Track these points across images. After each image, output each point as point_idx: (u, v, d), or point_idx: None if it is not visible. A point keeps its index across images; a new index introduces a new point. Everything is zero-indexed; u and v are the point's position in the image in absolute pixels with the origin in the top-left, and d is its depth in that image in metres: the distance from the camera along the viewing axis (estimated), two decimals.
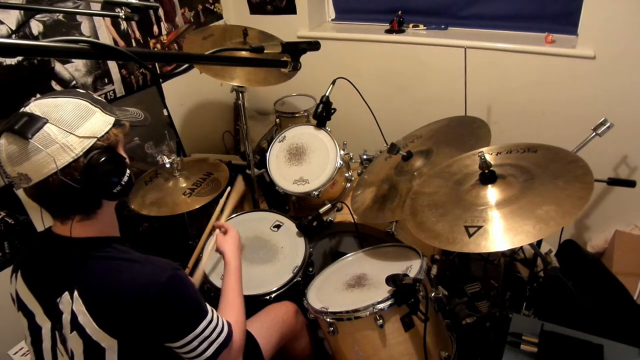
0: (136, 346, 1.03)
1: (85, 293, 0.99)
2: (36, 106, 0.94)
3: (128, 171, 1.03)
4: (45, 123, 0.91)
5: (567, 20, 2.10)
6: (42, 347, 1.07)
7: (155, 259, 1.04)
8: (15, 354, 1.77)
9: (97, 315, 0.98)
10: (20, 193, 1.85)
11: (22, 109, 0.95)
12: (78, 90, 1.04)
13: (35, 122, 0.91)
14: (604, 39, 1.90)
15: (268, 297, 1.62)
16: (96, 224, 1.04)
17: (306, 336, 1.63)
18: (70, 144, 0.92)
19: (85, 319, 0.98)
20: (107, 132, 0.98)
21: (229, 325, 1.14)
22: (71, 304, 0.99)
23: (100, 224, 1.05)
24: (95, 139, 0.96)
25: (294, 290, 1.67)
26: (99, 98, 1.04)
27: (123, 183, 1.01)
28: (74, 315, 0.99)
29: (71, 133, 0.92)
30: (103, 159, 0.95)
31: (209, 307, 1.10)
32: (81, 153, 0.93)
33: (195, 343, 1.04)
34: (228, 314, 1.22)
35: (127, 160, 1.05)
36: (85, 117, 0.96)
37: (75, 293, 0.99)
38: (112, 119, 1.00)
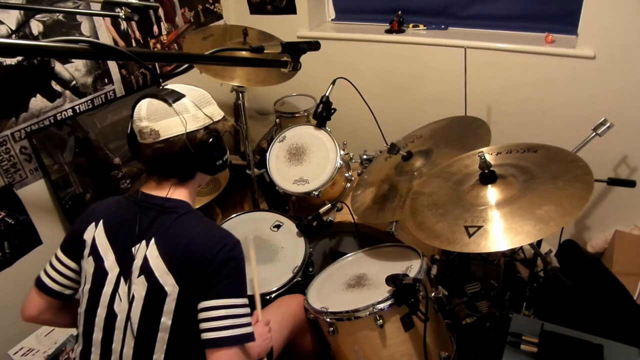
0: (192, 301, 1.08)
1: (162, 240, 1.11)
2: (174, 87, 1.17)
3: (227, 154, 1.24)
4: (184, 96, 1.14)
5: (567, 20, 2.10)
6: (102, 292, 1.13)
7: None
8: (15, 354, 1.77)
9: (168, 259, 1.09)
10: (20, 193, 1.84)
11: (163, 85, 1.17)
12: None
13: (177, 94, 1.14)
14: (604, 39, 1.90)
15: (268, 297, 1.62)
16: (184, 192, 1.21)
17: (313, 332, 1.63)
18: (198, 116, 1.15)
19: (156, 262, 1.09)
20: (220, 120, 1.21)
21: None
22: (145, 249, 1.11)
23: (187, 194, 1.22)
24: (212, 121, 1.18)
25: (294, 291, 1.66)
26: None
27: (223, 160, 1.22)
28: (145, 260, 1.10)
29: (200, 109, 1.15)
30: (215, 136, 1.17)
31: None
32: (202, 126, 1.15)
33: (220, 312, 1.06)
34: None
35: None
36: (209, 103, 1.20)
37: (152, 240, 1.12)
38: (222, 113, 1.23)
